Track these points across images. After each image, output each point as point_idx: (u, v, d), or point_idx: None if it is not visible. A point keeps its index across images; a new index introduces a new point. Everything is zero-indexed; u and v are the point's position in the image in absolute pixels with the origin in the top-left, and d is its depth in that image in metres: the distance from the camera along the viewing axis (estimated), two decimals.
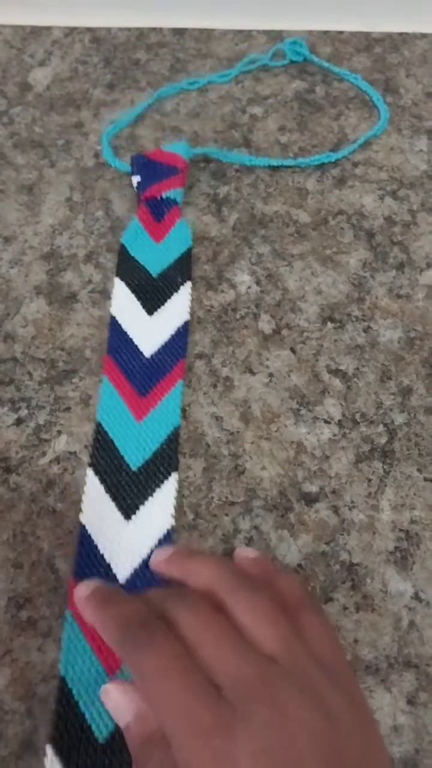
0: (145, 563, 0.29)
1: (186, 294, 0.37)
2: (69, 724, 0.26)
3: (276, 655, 0.22)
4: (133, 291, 0.37)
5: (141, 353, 0.35)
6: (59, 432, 0.33)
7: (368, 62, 0.49)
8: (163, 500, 0.31)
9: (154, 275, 0.38)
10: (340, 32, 0.51)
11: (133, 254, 0.39)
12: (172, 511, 0.31)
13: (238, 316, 0.37)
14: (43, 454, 0.32)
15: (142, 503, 0.31)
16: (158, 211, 0.40)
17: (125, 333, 0.36)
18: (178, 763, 0.21)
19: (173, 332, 0.36)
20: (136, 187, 0.41)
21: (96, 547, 0.30)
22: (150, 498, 0.31)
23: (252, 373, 0.35)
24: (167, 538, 0.30)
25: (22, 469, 0.32)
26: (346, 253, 0.39)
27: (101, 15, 0.52)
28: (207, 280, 0.38)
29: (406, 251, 0.39)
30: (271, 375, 0.35)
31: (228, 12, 0.51)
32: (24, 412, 0.34)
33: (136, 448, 0.32)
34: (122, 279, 0.38)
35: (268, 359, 0.35)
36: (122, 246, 0.39)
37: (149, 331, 0.36)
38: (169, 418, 0.33)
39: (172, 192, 0.40)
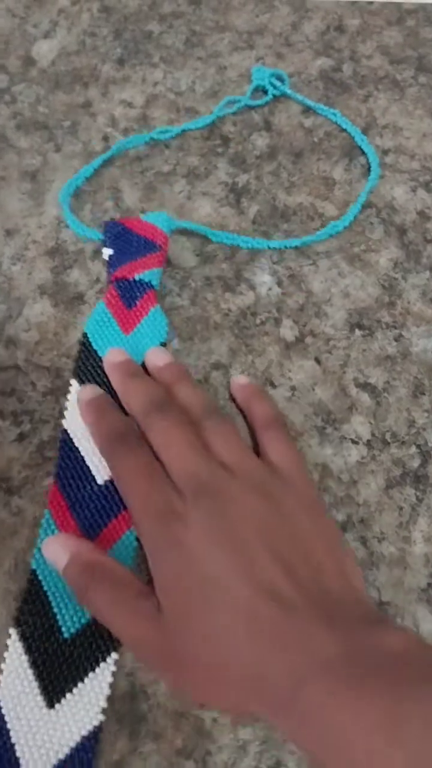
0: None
1: None
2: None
3: (232, 465, 0.26)
4: None
5: (93, 480, 0.29)
6: None
7: (400, 37, 0.46)
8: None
9: None
10: (370, 2, 0.47)
11: (95, 348, 0.32)
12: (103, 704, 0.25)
13: (257, 322, 0.34)
14: (48, 473, 0.30)
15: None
16: (130, 296, 0.33)
17: (77, 451, 0.30)
18: (144, 546, 0.25)
19: None
20: (108, 262, 0.35)
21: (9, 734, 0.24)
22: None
23: (273, 385, 0.32)
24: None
25: (25, 491, 0.30)
26: (376, 251, 0.36)
27: None
28: (224, 281, 0.35)
29: None
30: (293, 388, 0.32)
31: None
32: (27, 427, 0.31)
33: (74, 613, 0.27)
34: (80, 381, 0.32)
35: (290, 370, 0.33)
36: (84, 336, 0.33)
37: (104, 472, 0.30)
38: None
39: (148, 273, 0.34)
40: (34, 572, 0.27)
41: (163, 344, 0.33)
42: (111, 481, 0.29)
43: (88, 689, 0.25)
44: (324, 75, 0.43)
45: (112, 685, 0.25)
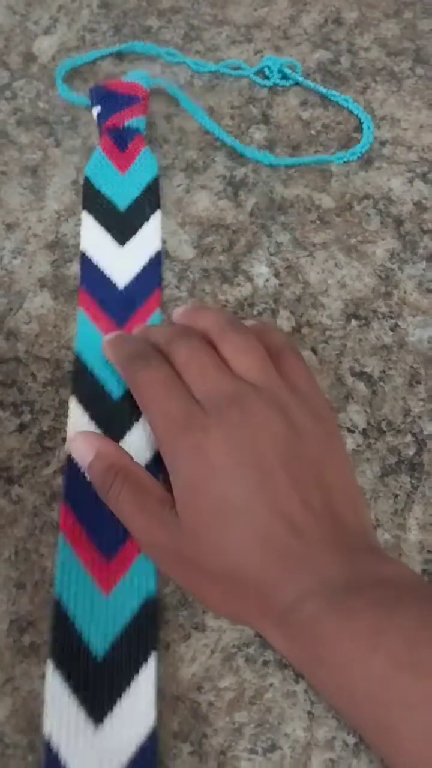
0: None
1: (156, 223, 0.37)
2: (66, 643, 0.26)
3: (251, 380, 0.26)
4: (102, 225, 0.36)
5: (115, 285, 0.34)
6: (64, 439, 0.31)
7: (397, 29, 0.46)
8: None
9: (122, 209, 0.37)
10: None
11: (98, 187, 0.37)
12: None
13: (255, 312, 0.34)
14: (47, 463, 0.30)
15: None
16: (122, 141, 0.38)
17: (96, 266, 0.35)
18: (164, 458, 0.26)
19: (146, 263, 0.35)
20: (97, 119, 0.39)
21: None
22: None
23: None
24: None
25: (25, 480, 0.30)
26: (373, 242, 0.37)
27: None
28: (222, 272, 0.36)
29: None
30: None
31: None
32: (27, 417, 0.31)
33: (117, 379, 0.32)
34: (90, 212, 0.37)
35: None
36: (86, 179, 0.38)
37: (121, 263, 0.35)
38: None
39: (135, 121, 0.39)
40: (78, 357, 0.32)
41: (156, 180, 0.38)
42: (130, 285, 0.34)
43: (138, 434, 0.30)
44: (322, 67, 0.44)
45: None
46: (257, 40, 0.45)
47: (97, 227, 0.36)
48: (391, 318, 0.34)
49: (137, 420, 0.31)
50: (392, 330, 0.34)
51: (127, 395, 0.31)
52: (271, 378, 0.27)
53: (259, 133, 0.41)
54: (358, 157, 0.39)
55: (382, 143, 0.40)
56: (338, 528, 0.24)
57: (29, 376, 0.33)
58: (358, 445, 0.31)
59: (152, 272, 0.35)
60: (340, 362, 0.33)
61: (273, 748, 0.25)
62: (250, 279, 0.35)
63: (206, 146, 0.40)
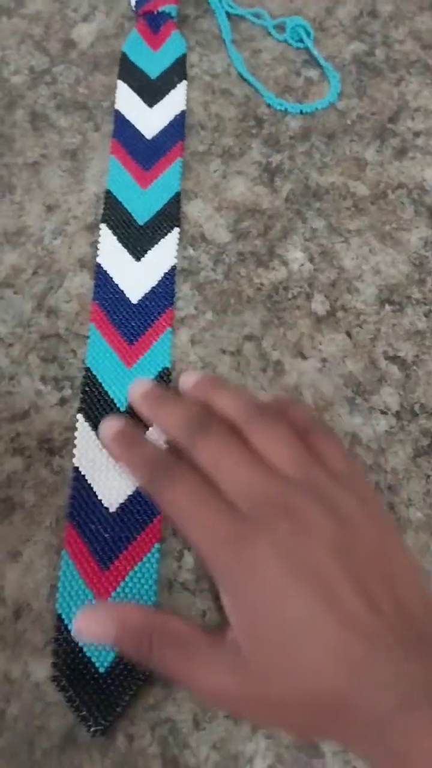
0: None
1: (182, 90, 0.42)
2: (94, 398, 0.32)
3: (289, 472, 0.24)
4: (134, 90, 0.42)
5: (142, 136, 0.40)
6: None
7: (431, 22, 0.46)
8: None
9: (153, 77, 0.43)
10: None
11: (133, 59, 0.43)
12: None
13: (289, 296, 0.35)
14: None
15: None
16: (155, 24, 0.44)
17: (127, 121, 0.41)
18: (218, 581, 0.23)
19: (171, 119, 0.41)
20: (135, 6, 0.45)
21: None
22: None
23: (304, 357, 0.33)
24: None
25: (66, 452, 0.31)
26: (407, 230, 0.37)
27: None
28: (257, 256, 0.36)
29: None
30: (324, 360, 0.33)
31: None
32: (68, 392, 0.32)
33: (143, 206, 0.38)
34: (124, 81, 0.43)
35: (321, 343, 0.34)
36: (123, 54, 0.44)
37: (150, 119, 0.41)
38: (172, 184, 0.39)
39: (168, 7, 0.44)
40: (109, 191, 0.38)
41: (184, 56, 0.43)
42: (157, 136, 0.40)
43: (162, 249, 0.36)
44: (357, 59, 0.44)
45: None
46: None
47: (130, 92, 0.42)
48: (425, 304, 0.35)
49: (161, 239, 0.36)
50: (426, 316, 0.34)
51: (152, 219, 0.37)
52: (309, 467, 0.24)
53: (295, 122, 0.41)
54: (312, 111, 0.42)
55: (416, 134, 0.41)
56: (410, 624, 0.22)
57: (69, 353, 0.33)
58: (391, 427, 0.31)
59: (177, 128, 0.40)
60: (374, 346, 0.33)
61: None
62: (285, 263, 0.36)
63: (242, 133, 0.41)
